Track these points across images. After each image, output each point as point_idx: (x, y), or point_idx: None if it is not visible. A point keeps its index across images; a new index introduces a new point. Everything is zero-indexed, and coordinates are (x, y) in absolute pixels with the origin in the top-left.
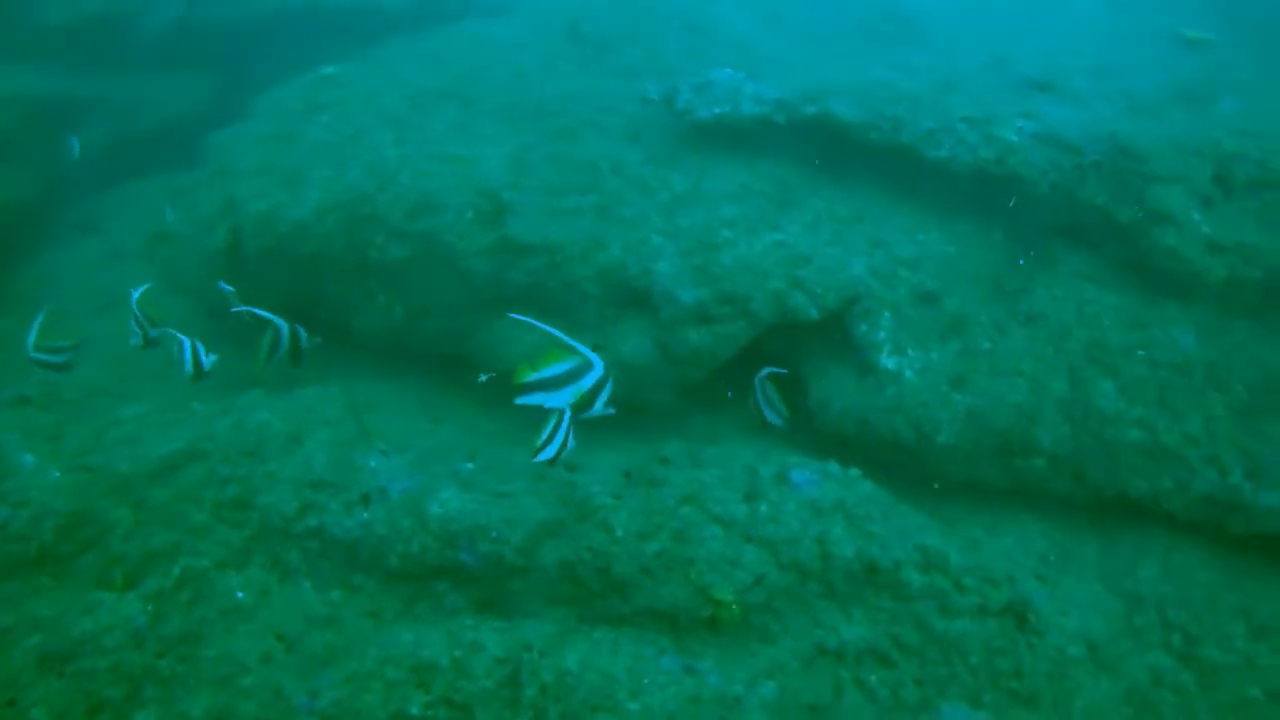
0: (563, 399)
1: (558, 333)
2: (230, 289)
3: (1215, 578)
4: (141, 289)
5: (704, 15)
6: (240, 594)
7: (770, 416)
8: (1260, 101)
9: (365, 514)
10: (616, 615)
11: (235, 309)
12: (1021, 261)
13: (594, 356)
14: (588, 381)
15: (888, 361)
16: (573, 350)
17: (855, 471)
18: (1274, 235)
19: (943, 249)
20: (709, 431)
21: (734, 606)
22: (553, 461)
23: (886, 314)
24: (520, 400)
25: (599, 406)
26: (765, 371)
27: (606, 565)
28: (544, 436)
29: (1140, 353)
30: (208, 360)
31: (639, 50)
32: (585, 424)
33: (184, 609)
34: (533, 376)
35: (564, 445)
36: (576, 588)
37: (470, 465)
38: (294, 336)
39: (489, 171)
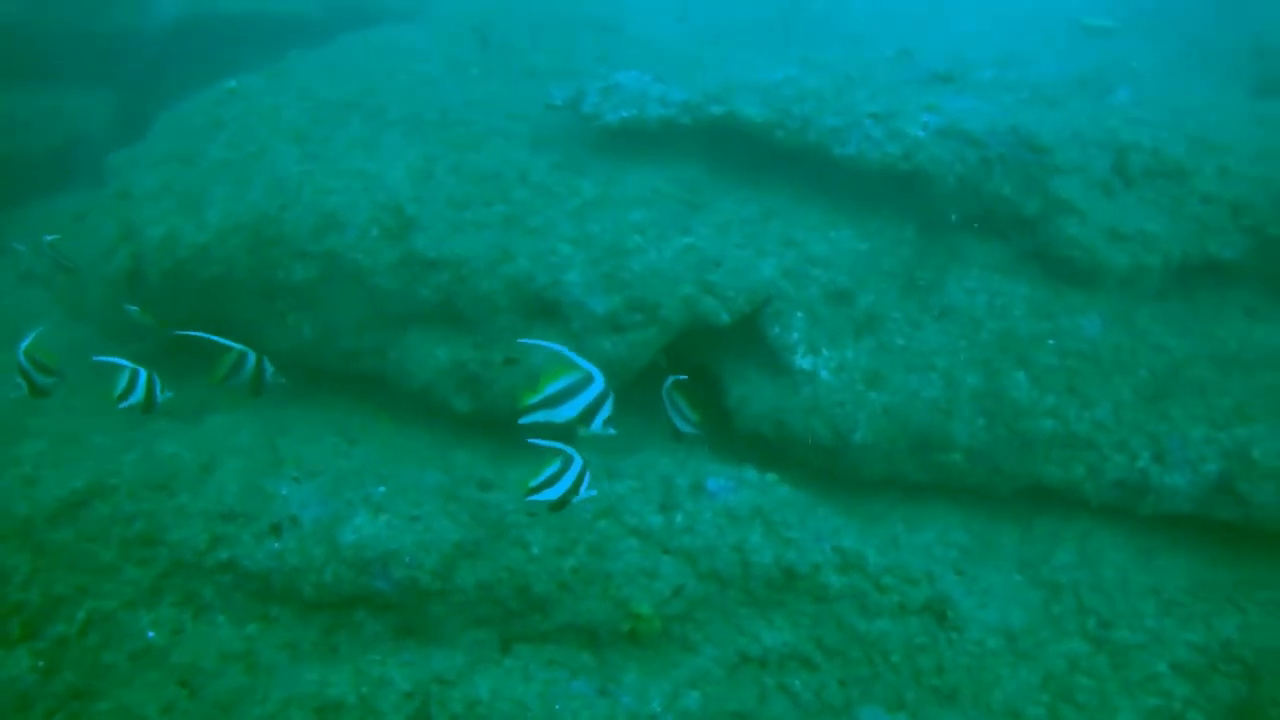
0: (565, 414)
1: (562, 348)
2: (134, 309)
3: (1127, 558)
4: (31, 337)
5: (614, 14)
6: (151, 634)
7: (680, 425)
8: (1152, 88)
9: (277, 544)
10: (538, 633)
11: (190, 334)
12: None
13: (594, 370)
14: (588, 396)
15: (802, 362)
16: (573, 365)
17: (771, 477)
18: (1170, 222)
19: (855, 246)
20: (630, 442)
21: (653, 620)
22: (559, 506)
23: (799, 314)
24: (525, 420)
25: (598, 424)
26: (671, 380)
27: (525, 584)
28: (543, 477)
29: (1050, 342)
30: (162, 396)
31: (547, 53)
32: (501, 437)
33: (87, 656)
34: (535, 398)
35: (575, 490)
36: (496, 608)
37: (382, 489)
38: (259, 365)
39: (393, 185)
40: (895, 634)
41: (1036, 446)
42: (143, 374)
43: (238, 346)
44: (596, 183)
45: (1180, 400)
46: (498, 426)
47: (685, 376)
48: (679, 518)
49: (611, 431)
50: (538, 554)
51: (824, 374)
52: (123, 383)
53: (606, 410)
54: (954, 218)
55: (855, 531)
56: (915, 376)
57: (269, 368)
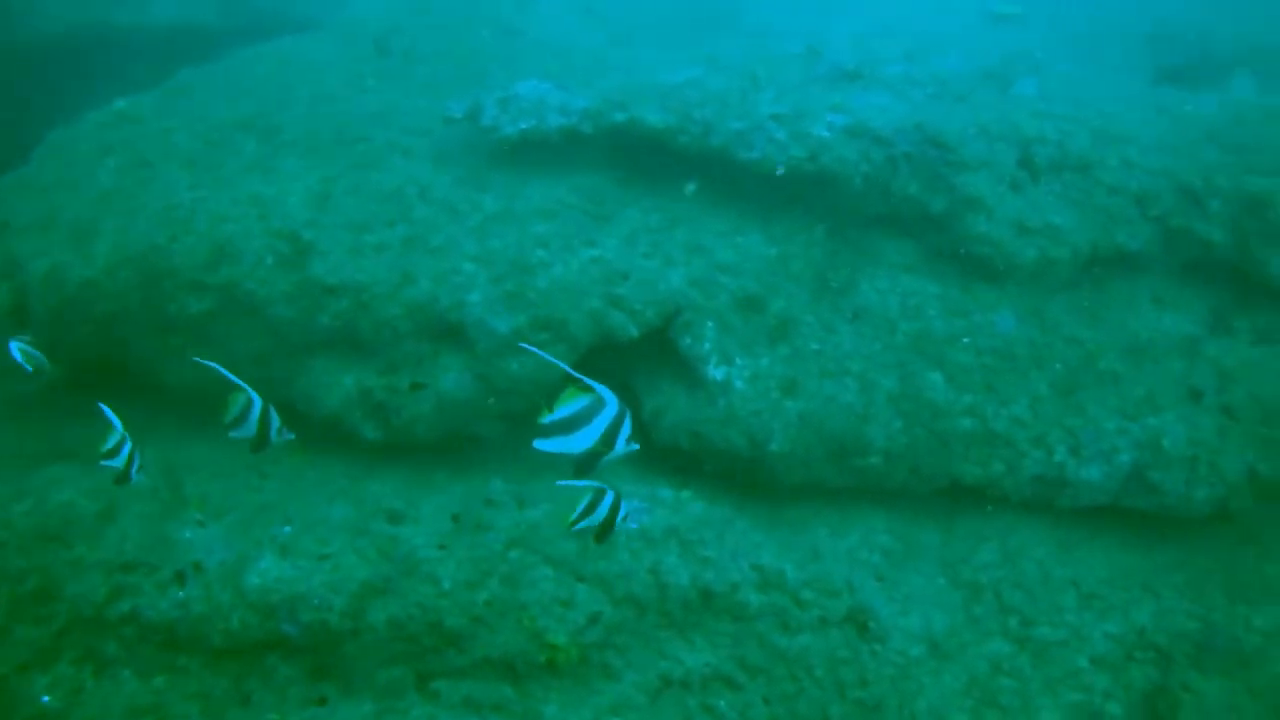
0: (582, 441)
1: (567, 367)
2: (20, 343)
3: (1048, 552)
4: None
5: (518, 17)
6: (46, 698)
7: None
8: (1057, 78)
9: (181, 592)
10: (455, 668)
11: (206, 363)
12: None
13: (607, 393)
14: (604, 419)
15: (715, 373)
16: (586, 388)
17: (687, 494)
18: (1078, 215)
19: (764, 250)
20: (542, 457)
21: (570, 649)
22: (601, 538)
23: (710, 324)
24: (541, 446)
25: (621, 445)
26: None
27: (438, 619)
28: (582, 508)
29: (965, 340)
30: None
31: (450, 62)
32: (413, 465)
33: None
34: (548, 419)
35: (609, 524)
36: (410, 645)
37: (289, 528)
38: (265, 416)
39: (289, 210)
40: (818, 648)
41: (955, 446)
42: (129, 443)
43: (247, 389)
44: (499, 197)
45: (1094, 392)
46: (409, 454)
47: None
48: (593, 543)
49: (635, 447)
50: (449, 588)
51: (738, 383)
52: (112, 442)
53: (626, 429)
54: (864, 218)
55: (774, 546)
56: (830, 382)
57: (276, 420)
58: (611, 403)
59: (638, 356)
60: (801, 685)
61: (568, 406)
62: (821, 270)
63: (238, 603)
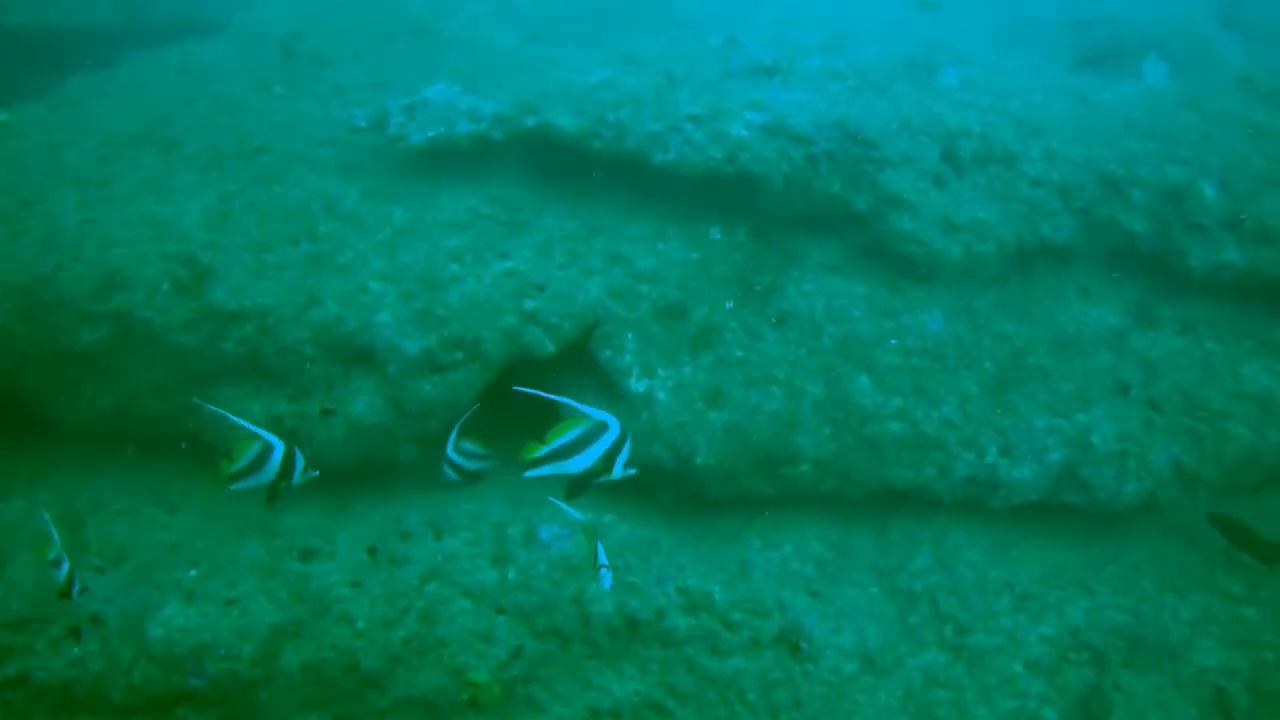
0: (577, 465)
1: (567, 400)
2: None
3: (982, 555)
4: None
5: (433, 17)
6: None
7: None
8: (979, 67)
9: (76, 649)
10: (375, 710)
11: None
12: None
13: (608, 417)
14: (603, 444)
15: (637, 385)
16: (583, 416)
17: (610, 517)
18: (1002, 208)
19: (685, 255)
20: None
21: (492, 686)
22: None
23: (630, 335)
24: (531, 474)
25: (619, 468)
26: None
27: (353, 661)
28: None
29: (893, 342)
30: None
31: (360, 65)
32: (327, 493)
33: None
34: (542, 450)
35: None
36: (327, 689)
37: (194, 571)
38: (288, 461)
39: (186, 231)
40: (750, 671)
41: (885, 450)
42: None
43: (265, 435)
44: (409, 208)
45: (1024, 389)
46: (325, 481)
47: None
48: (512, 573)
49: (632, 471)
50: (364, 628)
51: (661, 395)
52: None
53: (625, 454)
54: (787, 218)
55: (702, 567)
56: (756, 390)
57: (300, 460)
58: (613, 427)
59: (558, 370)
60: (734, 710)
61: (565, 435)
62: (745, 274)
63: (140, 656)
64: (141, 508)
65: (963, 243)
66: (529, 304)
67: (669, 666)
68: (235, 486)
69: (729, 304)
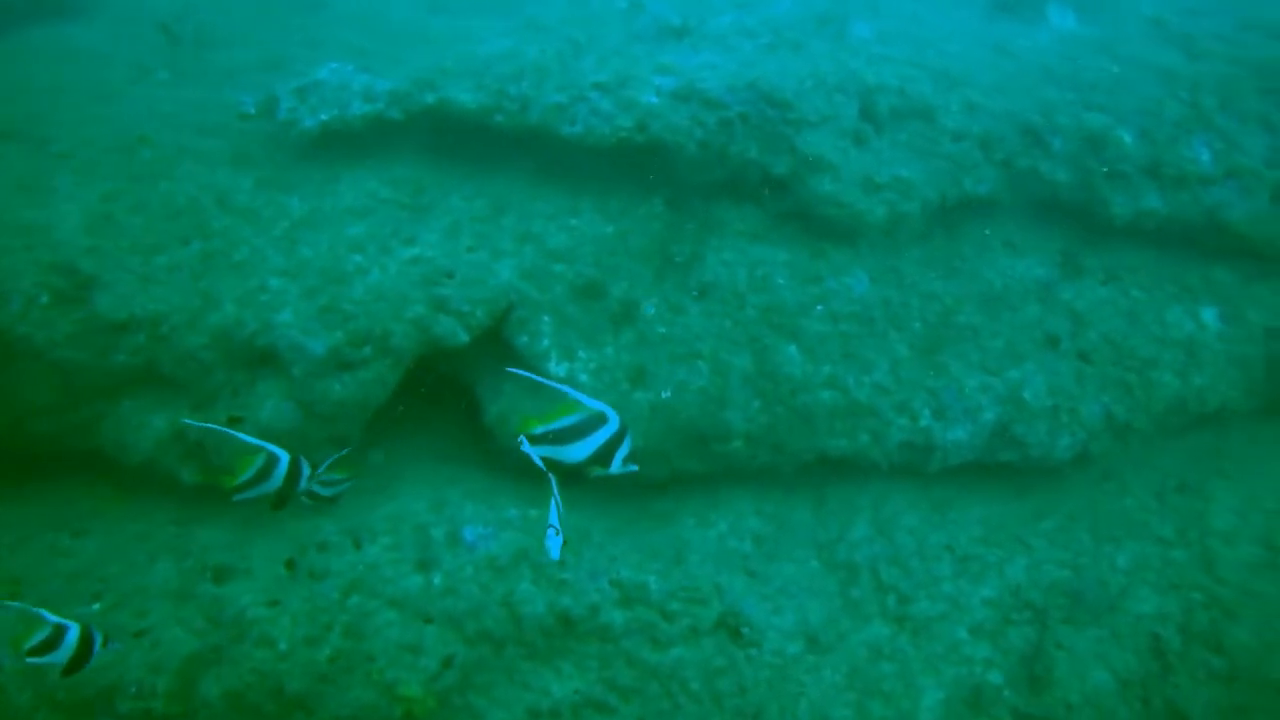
0: (576, 454)
1: (567, 388)
2: None
3: (921, 519)
4: None
5: None
6: None
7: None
8: (892, 17)
9: None
10: None
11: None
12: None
13: (608, 409)
14: (601, 436)
15: (557, 370)
16: (580, 405)
17: (534, 512)
18: (924, 164)
19: (599, 230)
20: (390, 471)
21: (427, 699)
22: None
23: (546, 318)
24: (529, 450)
25: (618, 463)
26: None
27: (278, 685)
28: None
29: (819, 308)
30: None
31: (249, 46)
32: (243, 506)
33: None
34: (541, 429)
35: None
36: (252, 716)
37: (98, 605)
38: (293, 472)
39: (64, 237)
40: (691, 661)
41: (818, 420)
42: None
43: (269, 447)
44: (307, 198)
45: (954, 349)
46: None
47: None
48: (438, 579)
49: (633, 468)
50: (287, 649)
51: (583, 378)
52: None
53: (625, 449)
54: (704, 186)
55: (636, 556)
56: (682, 367)
57: (306, 468)
58: (613, 420)
59: (477, 356)
60: (677, 701)
61: (563, 420)
62: (664, 245)
63: (40, 703)
64: (40, 534)
65: (885, 202)
66: (439, 292)
67: (608, 662)
68: (239, 498)
69: (648, 278)
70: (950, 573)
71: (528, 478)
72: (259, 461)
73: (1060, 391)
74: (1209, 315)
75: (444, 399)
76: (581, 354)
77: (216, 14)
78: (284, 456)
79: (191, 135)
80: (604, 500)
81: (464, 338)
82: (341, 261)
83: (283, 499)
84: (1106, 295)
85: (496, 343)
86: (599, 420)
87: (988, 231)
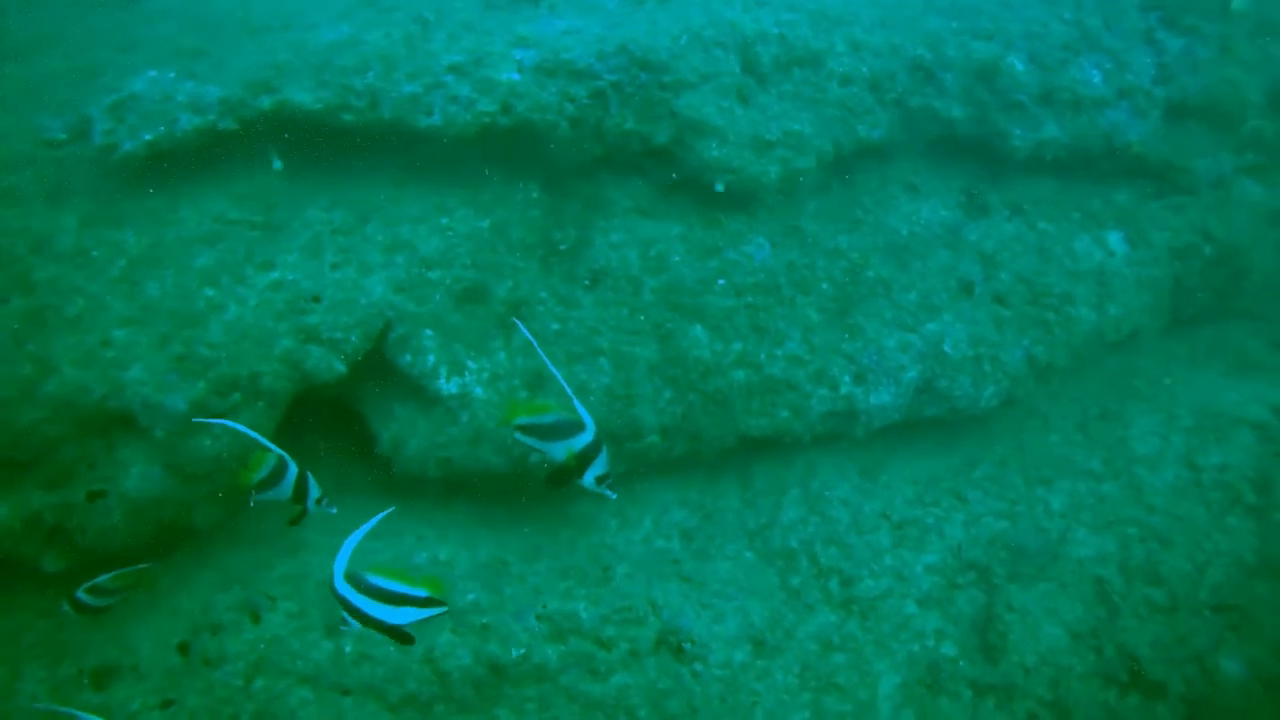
0: (556, 451)
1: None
2: None
3: (852, 488)
4: None
5: None
6: None
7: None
8: None
9: None
10: None
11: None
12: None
13: (587, 418)
14: (579, 442)
15: (449, 387)
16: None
17: (444, 552)
18: (815, 114)
19: (474, 227)
20: (281, 537)
21: None
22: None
23: (428, 332)
24: (521, 439)
25: (590, 479)
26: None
27: None
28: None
29: (720, 282)
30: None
31: (56, 53)
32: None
33: None
34: (525, 420)
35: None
36: None
37: None
38: (301, 481)
39: None
40: (635, 686)
41: (734, 402)
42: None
43: (276, 450)
44: (143, 231)
45: (868, 307)
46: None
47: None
48: (349, 645)
49: (611, 495)
50: None
51: (478, 391)
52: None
53: (601, 466)
54: (583, 165)
55: (560, 582)
56: (581, 365)
57: (315, 489)
58: (589, 430)
59: (364, 377)
60: None
61: (544, 418)
62: (546, 233)
63: None
64: None
65: (779, 160)
66: (306, 321)
67: (547, 702)
68: (257, 499)
69: (534, 271)
70: (889, 543)
71: (430, 504)
72: (271, 461)
73: (980, 340)
74: (1115, 240)
75: (335, 428)
76: (471, 365)
77: (11, 17)
78: (293, 466)
79: None
80: (515, 521)
81: (340, 368)
82: (193, 299)
83: (299, 512)
84: (1014, 231)
85: (377, 368)
86: (577, 426)
87: (887, 178)
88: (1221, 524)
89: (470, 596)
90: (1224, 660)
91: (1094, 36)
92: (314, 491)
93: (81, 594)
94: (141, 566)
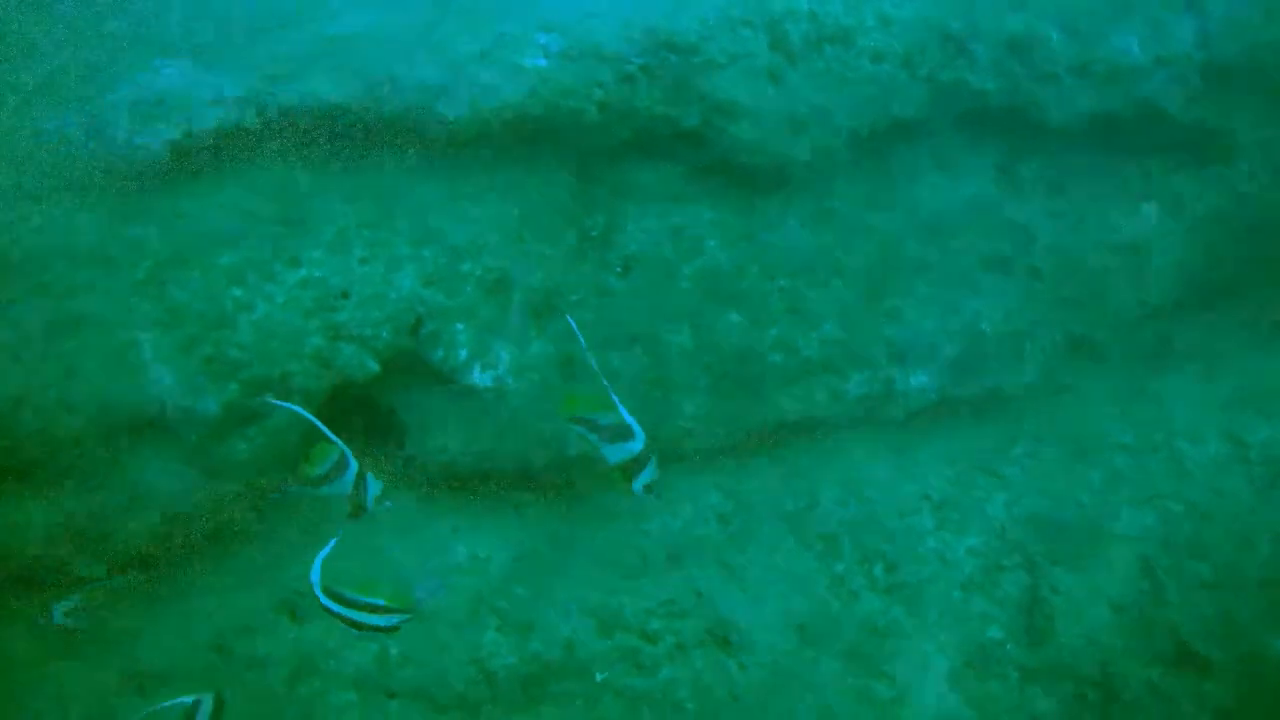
0: (608, 454)
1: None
2: None
3: (891, 469)
4: None
5: None
6: None
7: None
8: None
9: None
10: None
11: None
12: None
13: (635, 425)
14: (630, 448)
15: (482, 379)
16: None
17: (483, 549)
18: (847, 93)
19: (504, 214)
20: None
21: None
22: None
23: (460, 326)
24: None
25: (638, 486)
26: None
27: None
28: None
29: (755, 267)
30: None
31: (62, 50)
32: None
33: None
34: (580, 414)
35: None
36: None
37: None
38: (361, 480)
39: None
40: (682, 679)
41: (770, 385)
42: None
43: (339, 443)
44: (167, 230)
45: (903, 285)
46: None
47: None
48: (394, 647)
49: (657, 500)
50: None
51: (510, 382)
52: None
53: (650, 474)
54: (613, 149)
55: (602, 576)
56: (616, 353)
57: (375, 485)
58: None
59: (395, 371)
60: None
61: (602, 415)
62: (576, 220)
63: None
64: None
65: (811, 141)
66: (335, 318)
67: (594, 699)
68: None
69: (564, 259)
70: (932, 525)
71: (466, 497)
72: (334, 455)
73: (1017, 316)
74: (1152, 211)
75: (366, 422)
76: (504, 356)
77: (14, 11)
78: (354, 462)
79: (7, 171)
80: (559, 509)
81: (374, 367)
82: (220, 300)
83: (358, 508)
84: (1048, 205)
85: (410, 363)
86: (628, 432)
87: (919, 153)
88: (1268, 498)
89: (509, 597)
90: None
91: (1131, 2)
92: (374, 488)
93: None
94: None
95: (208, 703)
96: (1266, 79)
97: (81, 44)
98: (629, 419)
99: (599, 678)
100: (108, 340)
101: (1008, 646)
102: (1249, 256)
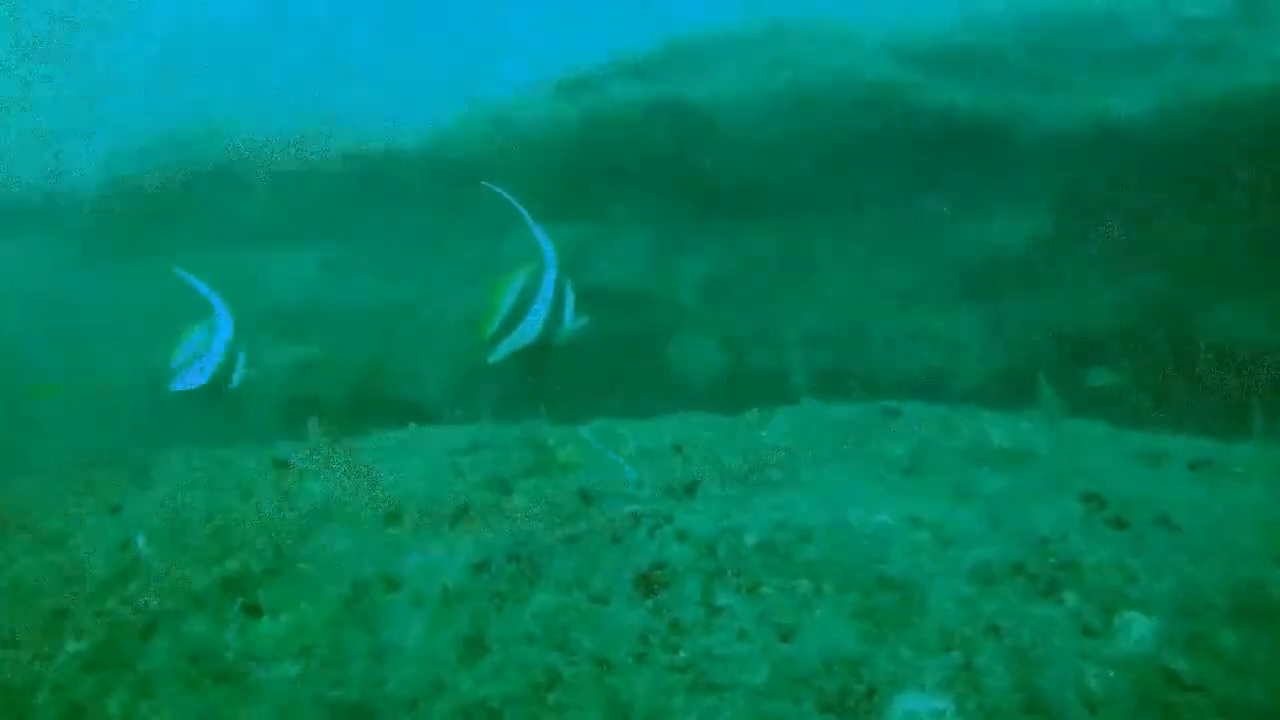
0: (531, 330)
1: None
2: None
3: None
4: None
5: None
6: None
7: None
8: None
9: None
10: None
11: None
12: None
13: (547, 246)
14: (545, 292)
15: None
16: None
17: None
18: None
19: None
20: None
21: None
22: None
23: None
24: (494, 358)
25: (569, 321)
26: None
27: None
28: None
29: None
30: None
31: None
32: None
33: None
34: (494, 323)
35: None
36: None
37: None
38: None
39: None
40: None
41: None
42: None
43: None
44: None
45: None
46: None
47: None
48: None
49: (584, 320)
50: None
51: None
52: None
53: (569, 298)
54: None
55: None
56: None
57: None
58: (550, 264)
59: None
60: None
61: (509, 294)
62: None
63: None
64: None
65: None
66: None
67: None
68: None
69: None
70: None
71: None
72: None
73: None
74: None
75: None
76: None
77: None
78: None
79: None
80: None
81: None
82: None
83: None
84: None
85: None
86: (536, 277)
87: None
88: None
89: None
90: None
91: None
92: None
93: None
94: None
95: None
96: None
97: None
98: (543, 240)
99: None
100: None
101: None
102: None
